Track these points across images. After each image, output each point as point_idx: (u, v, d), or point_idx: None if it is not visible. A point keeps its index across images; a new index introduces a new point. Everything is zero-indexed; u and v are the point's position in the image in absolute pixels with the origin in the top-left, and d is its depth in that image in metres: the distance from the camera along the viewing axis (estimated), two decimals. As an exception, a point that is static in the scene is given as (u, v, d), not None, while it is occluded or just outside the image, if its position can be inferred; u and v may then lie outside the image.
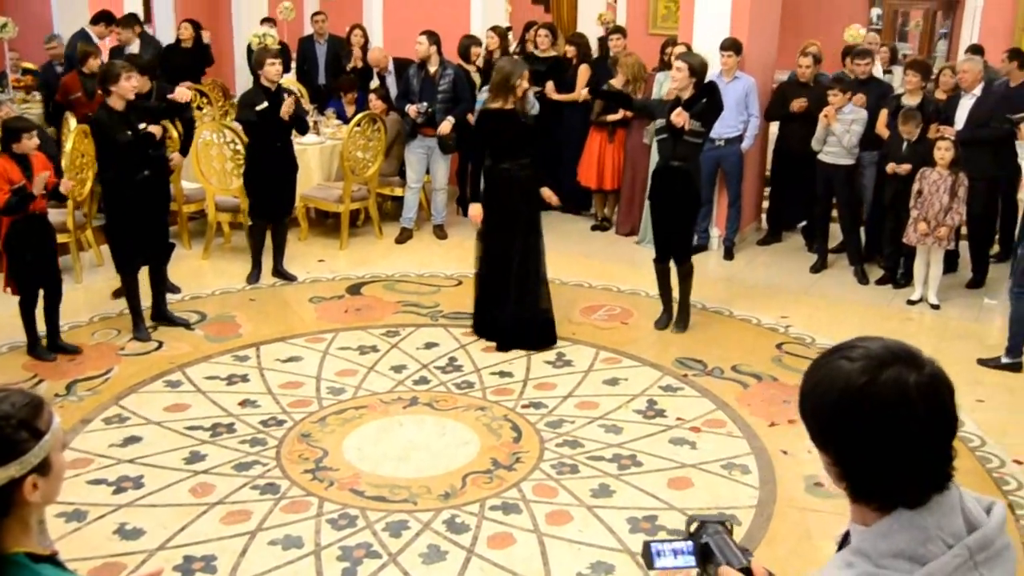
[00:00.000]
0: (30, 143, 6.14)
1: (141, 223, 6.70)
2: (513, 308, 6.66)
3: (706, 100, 6.55)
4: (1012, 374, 6.47)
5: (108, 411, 5.73)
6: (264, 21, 11.69)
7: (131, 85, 6.56)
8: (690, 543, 1.86)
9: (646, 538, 1.89)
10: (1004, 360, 6.59)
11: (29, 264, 6.23)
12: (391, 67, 9.91)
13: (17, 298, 6.34)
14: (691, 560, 1.85)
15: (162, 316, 7.01)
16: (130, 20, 10.44)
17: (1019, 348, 6.57)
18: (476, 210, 6.76)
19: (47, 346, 6.47)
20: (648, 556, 1.86)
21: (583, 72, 9.66)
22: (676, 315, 7.08)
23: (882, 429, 1.60)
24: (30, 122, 6.59)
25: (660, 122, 6.78)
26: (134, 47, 10.09)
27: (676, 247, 6.95)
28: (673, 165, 6.75)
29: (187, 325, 7.00)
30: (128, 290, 6.81)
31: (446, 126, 8.87)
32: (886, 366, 1.61)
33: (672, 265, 7.02)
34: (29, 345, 6.45)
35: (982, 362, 6.64)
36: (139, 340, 6.74)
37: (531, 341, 6.70)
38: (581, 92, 9.50)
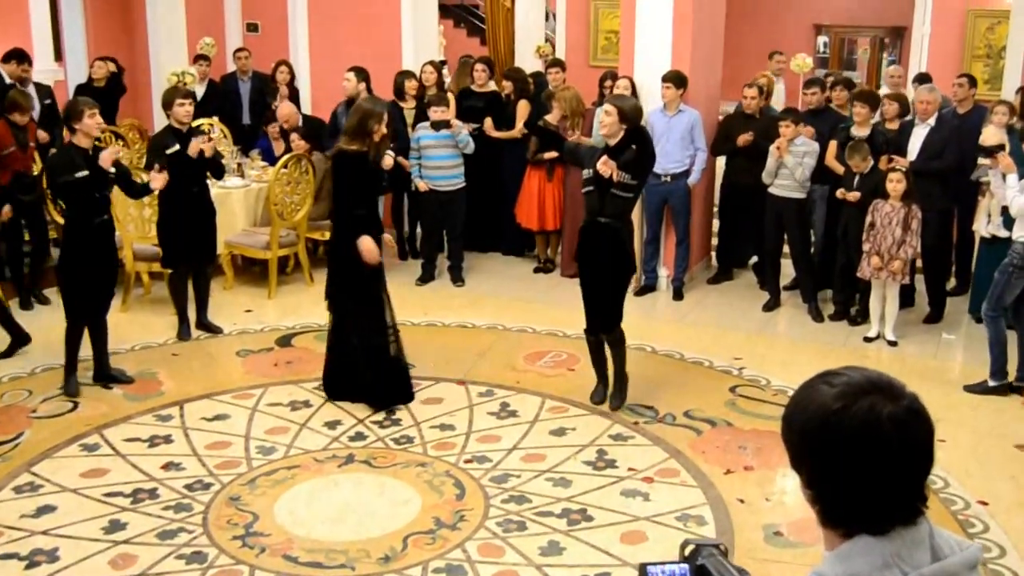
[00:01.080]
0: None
1: (96, 268, 6.68)
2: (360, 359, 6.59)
3: (635, 148, 6.15)
4: (973, 412, 6.59)
5: (19, 479, 5.60)
6: (198, 59, 11.62)
7: (95, 123, 6.61)
8: (685, 566, 1.92)
9: (641, 560, 1.94)
10: (991, 383, 6.85)
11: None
12: (300, 124, 9.73)
13: None
14: None
15: (105, 375, 6.93)
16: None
17: (1004, 370, 6.83)
18: (368, 243, 6.43)
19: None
20: None
21: (522, 108, 9.75)
22: (612, 387, 6.67)
23: (849, 456, 1.68)
24: None
25: (588, 172, 6.34)
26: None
27: (602, 315, 6.48)
28: (600, 222, 6.28)
29: (129, 380, 6.95)
30: (69, 338, 6.72)
31: (388, 161, 8.87)
32: (863, 395, 1.70)
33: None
34: None
35: (969, 388, 6.90)
36: (68, 394, 6.68)
37: (381, 394, 6.58)
38: (519, 128, 9.58)
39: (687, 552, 1.95)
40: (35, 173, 8.44)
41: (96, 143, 6.90)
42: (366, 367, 6.54)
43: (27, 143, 8.31)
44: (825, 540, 1.79)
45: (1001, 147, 7.14)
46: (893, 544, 1.69)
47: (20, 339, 7.39)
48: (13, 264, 8.54)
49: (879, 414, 1.67)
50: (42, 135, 8.88)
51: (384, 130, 6.48)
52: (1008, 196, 6.78)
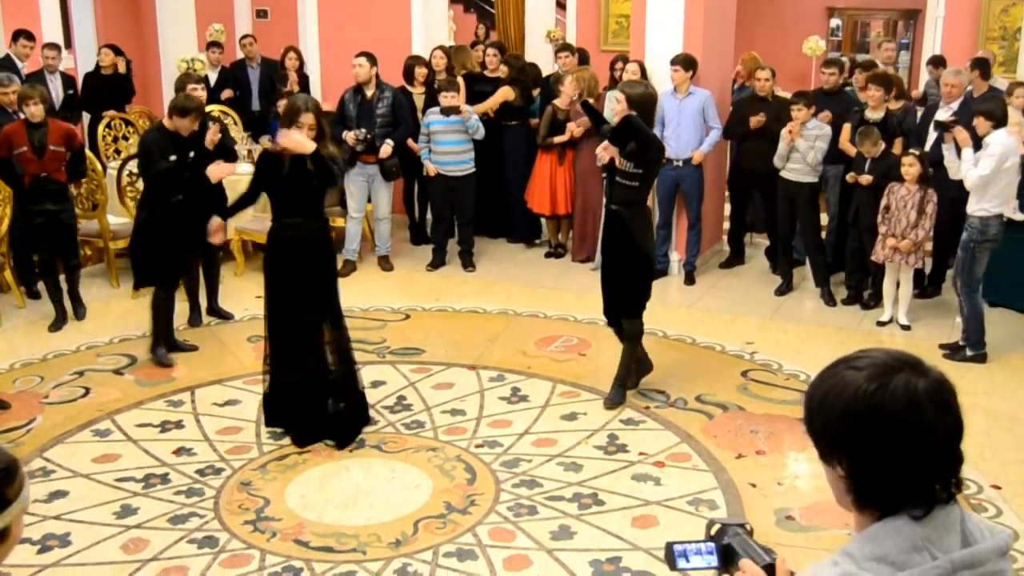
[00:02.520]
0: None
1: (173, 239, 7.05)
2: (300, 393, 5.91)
3: (634, 141, 5.96)
4: (988, 396, 6.58)
5: (32, 464, 5.62)
6: (211, 45, 11.62)
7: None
8: (712, 544, 1.93)
9: (667, 540, 1.95)
10: (969, 353, 7.16)
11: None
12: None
13: None
14: (713, 560, 1.93)
15: (215, 310, 7.93)
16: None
17: (982, 341, 7.13)
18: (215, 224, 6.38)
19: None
20: (671, 557, 1.93)
21: (503, 90, 9.65)
22: (612, 384, 6.48)
23: (895, 434, 1.67)
24: None
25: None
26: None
27: (614, 303, 6.43)
28: (611, 208, 6.26)
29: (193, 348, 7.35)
30: (155, 307, 7.14)
31: (387, 149, 8.89)
32: (894, 372, 1.70)
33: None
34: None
35: (945, 347, 7.29)
36: (156, 363, 7.06)
37: (352, 429, 6.00)
38: (490, 106, 9.58)
39: (713, 532, 1.95)
40: (69, 177, 7.74)
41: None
42: (340, 397, 6.00)
43: (44, 144, 7.42)
44: (857, 522, 1.77)
45: (955, 122, 7.17)
46: (924, 528, 1.68)
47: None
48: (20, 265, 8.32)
49: (916, 388, 1.68)
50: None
51: (311, 121, 5.72)
52: (963, 169, 6.96)
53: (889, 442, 1.67)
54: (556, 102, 9.27)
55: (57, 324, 7.67)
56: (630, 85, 6.37)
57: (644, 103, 6.09)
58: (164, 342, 7.14)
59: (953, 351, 7.25)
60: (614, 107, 6.16)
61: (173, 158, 7.03)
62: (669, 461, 5.72)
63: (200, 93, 7.57)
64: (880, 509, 1.72)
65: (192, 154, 7.05)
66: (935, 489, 1.70)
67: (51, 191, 7.55)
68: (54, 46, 10.26)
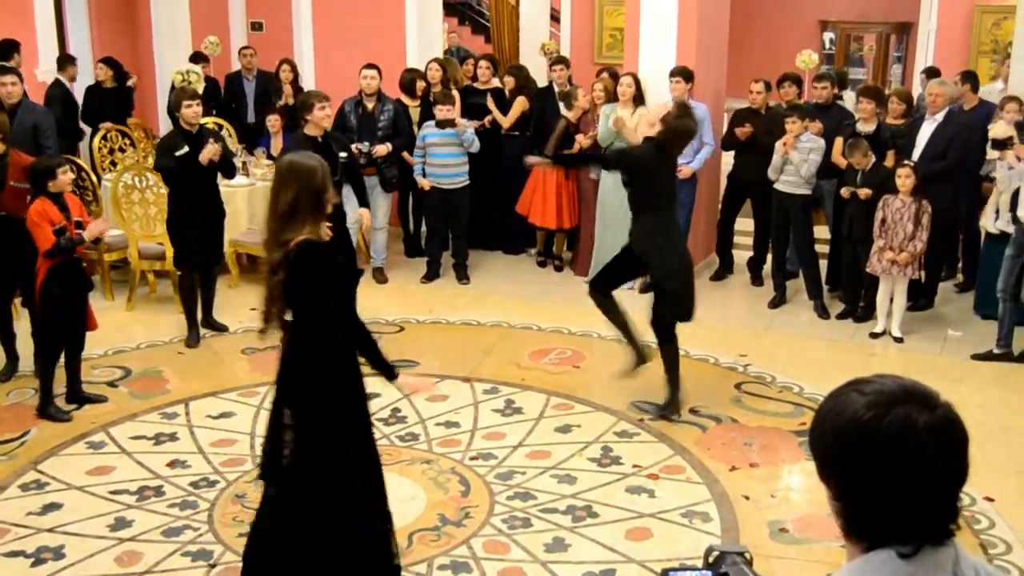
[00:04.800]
0: (65, 178, 6.32)
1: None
2: None
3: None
4: (980, 408, 6.58)
5: (25, 476, 5.63)
6: (196, 57, 11.65)
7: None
8: (708, 573, 1.91)
9: (664, 567, 1.94)
10: (995, 351, 7.45)
11: (62, 313, 6.30)
12: None
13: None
14: None
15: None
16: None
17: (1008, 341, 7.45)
18: None
19: (67, 398, 6.53)
20: None
21: (519, 103, 9.72)
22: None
23: (881, 467, 1.61)
24: (60, 157, 6.96)
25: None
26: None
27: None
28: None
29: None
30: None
31: (383, 149, 8.91)
32: (897, 403, 1.63)
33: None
34: (42, 404, 6.39)
35: (976, 357, 7.48)
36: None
37: None
38: (511, 120, 9.59)
39: (711, 559, 1.93)
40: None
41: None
42: None
43: (3, 180, 6.62)
44: (847, 552, 1.74)
45: (1010, 139, 7.20)
46: (910, 566, 1.63)
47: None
48: None
49: (914, 424, 1.61)
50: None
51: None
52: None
53: (875, 474, 1.62)
54: (568, 115, 9.27)
55: (7, 373, 7.04)
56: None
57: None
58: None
59: (995, 357, 7.45)
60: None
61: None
62: (663, 473, 5.72)
63: (196, 109, 7.56)
64: (866, 540, 1.68)
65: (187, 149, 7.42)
66: (926, 527, 1.64)
67: (11, 234, 6.55)
68: (9, 70, 8.14)
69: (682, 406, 6.49)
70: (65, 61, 11.33)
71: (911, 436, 1.61)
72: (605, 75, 9.26)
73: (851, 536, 1.70)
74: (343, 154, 7.56)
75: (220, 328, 7.95)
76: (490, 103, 9.83)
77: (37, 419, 6.33)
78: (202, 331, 7.87)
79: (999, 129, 7.55)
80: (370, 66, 9.04)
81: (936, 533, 1.65)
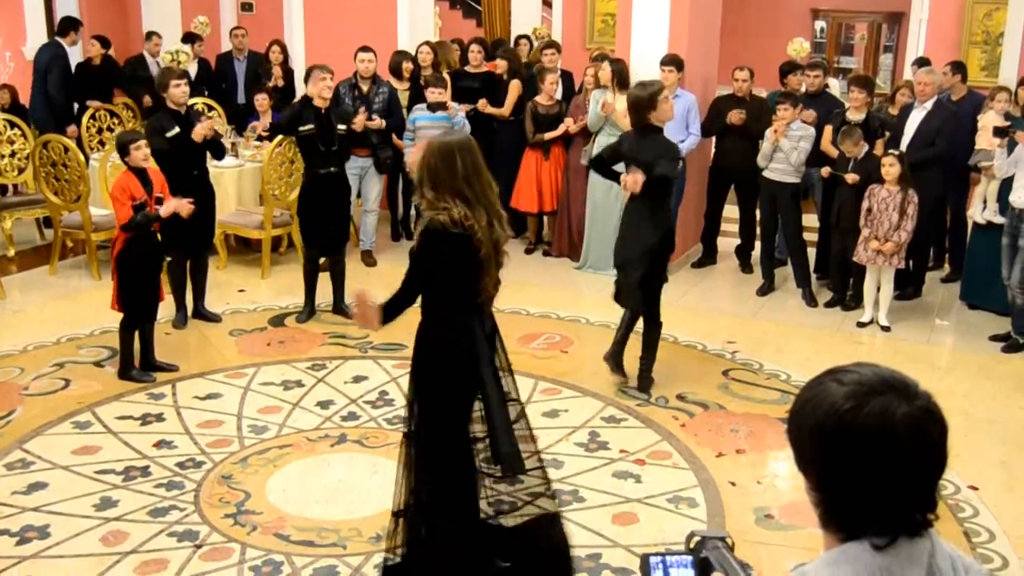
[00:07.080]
0: (138, 154, 6.50)
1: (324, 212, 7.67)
2: None
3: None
4: (965, 398, 6.62)
5: (10, 455, 5.61)
6: (188, 36, 11.58)
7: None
8: (689, 557, 1.90)
9: (643, 551, 1.93)
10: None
11: (140, 284, 6.53)
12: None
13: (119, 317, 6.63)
14: (690, 574, 1.88)
15: (339, 309, 7.93)
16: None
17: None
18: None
19: (141, 366, 6.71)
20: (645, 569, 1.89)
21: (514, 88, 9.72)
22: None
23: (860, 458, 1.61)
24: (138, 132, 6.99)
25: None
26: None
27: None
28: None
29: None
30: (306, 272, 7.84)
31: (378, 122, 8.90)
32: (875, 394, 1.62)
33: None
34: (123, 367, 6.66)
35: (994, 338, 7.58)
36: (300, 321, 7.76)
37: None
38: (509, 107, 9.59)
39: (692, 544, 1.92)
40: None
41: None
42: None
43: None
44: (824, 540, 1.73)
45: (1011, 125, 7.22)
46: (885, 558, 1.62)
47: None
48: None
49: (893, 415, 1.60)
50: None
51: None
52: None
53: (853, 465, 1.61)
54: (538, 99, 9.28)
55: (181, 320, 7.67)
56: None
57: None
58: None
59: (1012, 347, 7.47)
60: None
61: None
62: (650, 459, 5.74)
63: (183, 89, 7.49)
64: (842, 531, 1.67)
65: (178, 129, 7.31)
66: (902, 518, 1.64)
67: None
68: None
69: (652, 386, 6.58)
70: (68, 26, 10.92)
71: (889, 427, 1.60)
72: (606, 64, 9.21)
73: (829, 526, 1.70)
74: (341, 127, 7.60)
75: (212, 318, 7.78)
76: (484, 106, 9.75)
77: (21, 398, 6.32)
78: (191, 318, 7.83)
79: (989, 121, 7.58)
80: (366, 49, 9.01)
81: (913, 524, 1.65)
